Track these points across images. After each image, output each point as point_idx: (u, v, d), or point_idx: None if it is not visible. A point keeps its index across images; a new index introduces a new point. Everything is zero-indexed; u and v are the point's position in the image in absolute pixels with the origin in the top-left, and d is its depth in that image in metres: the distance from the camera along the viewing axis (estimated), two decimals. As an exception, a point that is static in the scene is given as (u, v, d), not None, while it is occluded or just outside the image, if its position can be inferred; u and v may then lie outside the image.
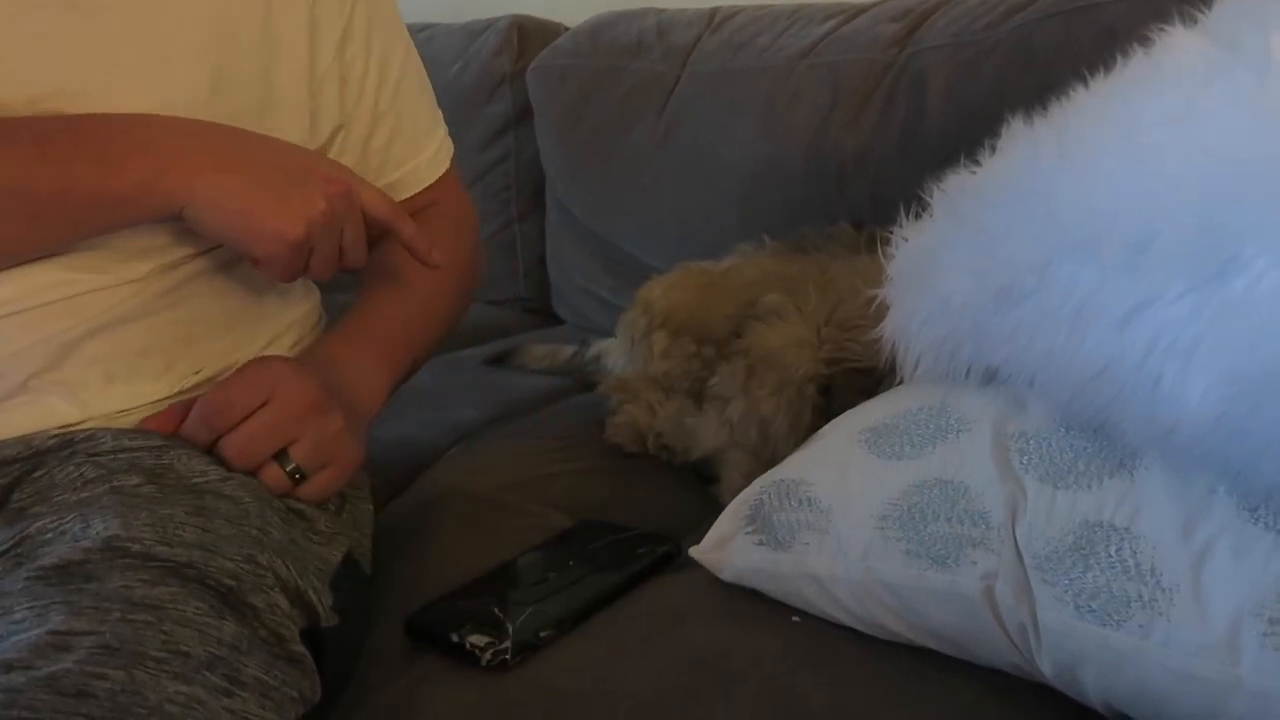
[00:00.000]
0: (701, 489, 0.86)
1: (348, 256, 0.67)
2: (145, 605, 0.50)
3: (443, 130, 0.88)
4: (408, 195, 0.83)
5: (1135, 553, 0.52)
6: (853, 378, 0.78)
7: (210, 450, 0.62)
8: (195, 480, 0.59)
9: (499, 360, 1.26)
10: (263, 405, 0.62)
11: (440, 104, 0.90)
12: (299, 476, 0.63)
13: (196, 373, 0.69)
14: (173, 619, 0.50)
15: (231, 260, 0.71)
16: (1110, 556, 0.52)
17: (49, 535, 0.54)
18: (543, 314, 1.53)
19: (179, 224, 0.66)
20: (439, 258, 0.72)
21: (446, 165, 0.87)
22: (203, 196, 0.61)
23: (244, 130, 0.66)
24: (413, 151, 0.83)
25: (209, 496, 0.58)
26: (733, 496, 0.76)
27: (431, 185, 0.84)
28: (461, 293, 0.85)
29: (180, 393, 0.68)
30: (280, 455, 0.63)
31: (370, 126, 0.79)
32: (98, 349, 0.64)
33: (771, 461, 0.78)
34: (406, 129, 0.82)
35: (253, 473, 0.62)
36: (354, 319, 0.76)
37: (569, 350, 1.21)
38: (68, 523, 0.54)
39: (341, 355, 0.72)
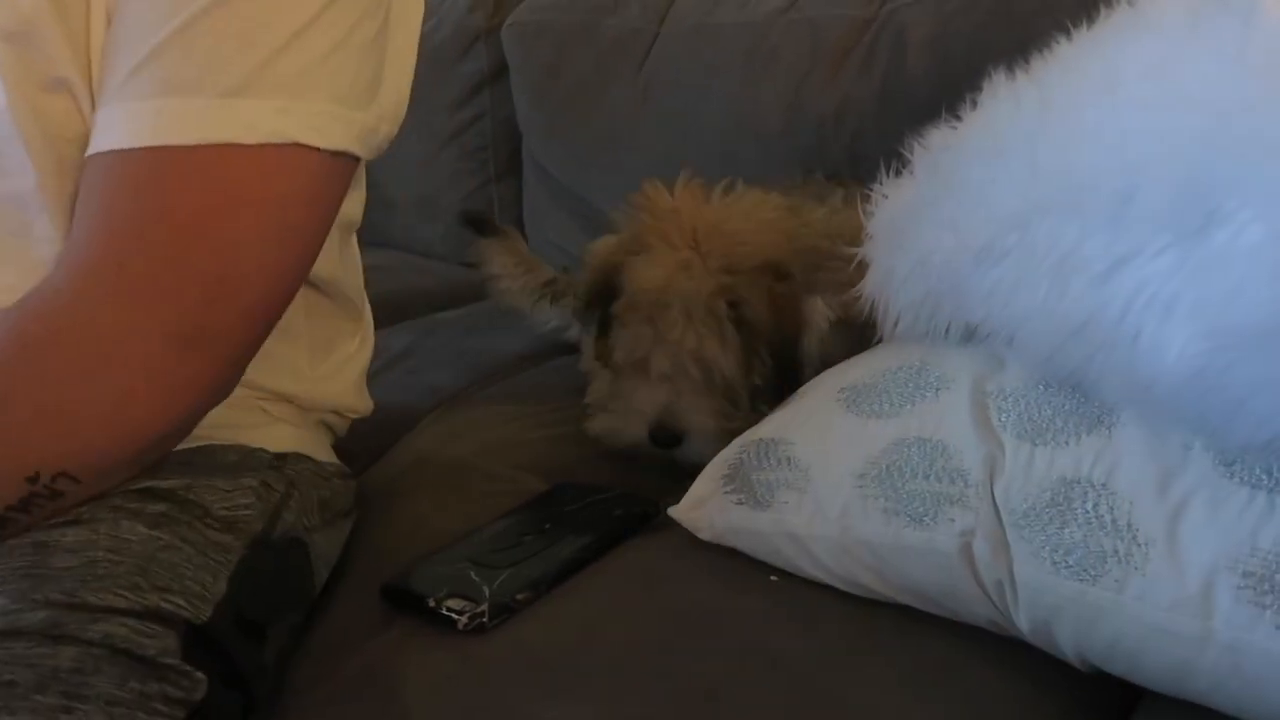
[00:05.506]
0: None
1: None
2: None
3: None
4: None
5: (1112, 508, 0.52)
6: (758, 277, 0.77)
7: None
8: (37, 535, 0.53)
9: (475, 223, 1.10)
10: None
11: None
12: None
13: None
14: None
15: None
16: (1087, 512, 0.53)
17: None
18: (521, 276, 1.51)
19: None
20: None
21: None
22: None
23: None
24: None
25: (48, 548, 0.52)
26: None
27: None
28: None
29: None
30: None
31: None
32: None
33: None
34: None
35: None
36: None
37: (546, 274, 1.07)
38: None
39: None
